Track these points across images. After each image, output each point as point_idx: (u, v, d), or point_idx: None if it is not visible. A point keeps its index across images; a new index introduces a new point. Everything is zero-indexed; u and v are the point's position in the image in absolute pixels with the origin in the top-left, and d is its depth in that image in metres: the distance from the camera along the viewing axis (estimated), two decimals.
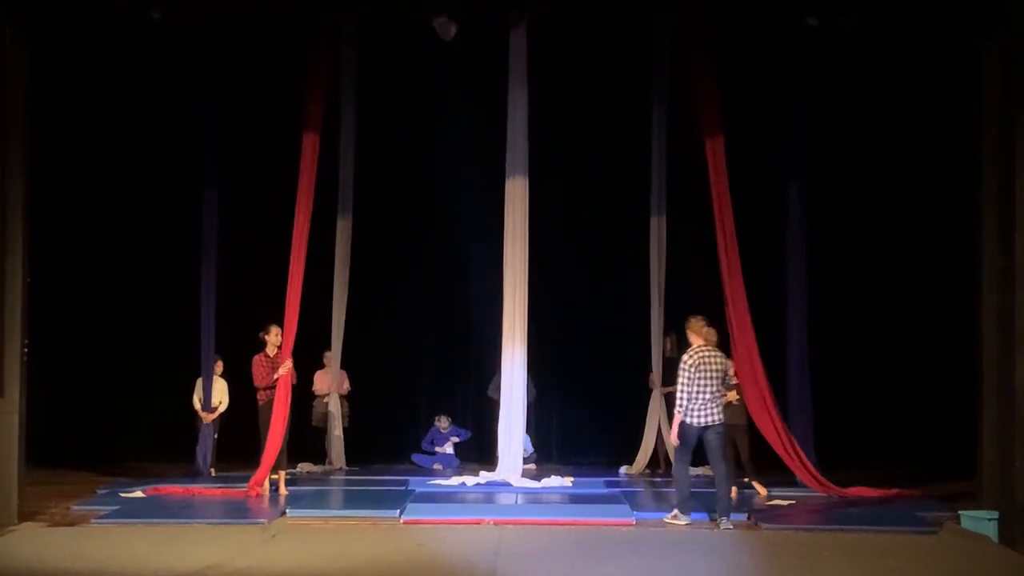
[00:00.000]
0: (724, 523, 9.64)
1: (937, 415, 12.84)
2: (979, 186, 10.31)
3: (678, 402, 9.73)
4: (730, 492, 10.71)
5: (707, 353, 9.77)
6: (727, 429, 10.92)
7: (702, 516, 9.89)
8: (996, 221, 9.89)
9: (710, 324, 9.92)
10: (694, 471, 12.79)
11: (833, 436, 11.57)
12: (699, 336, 9.83)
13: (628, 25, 12.67)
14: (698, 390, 9.65)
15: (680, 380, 9.72)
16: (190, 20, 10.82)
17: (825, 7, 10.88)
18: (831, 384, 12.45)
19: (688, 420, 9.67)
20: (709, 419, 9.66)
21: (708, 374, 9.68)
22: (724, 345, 11.14)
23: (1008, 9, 9.53)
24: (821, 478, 11.10)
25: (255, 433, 11.21)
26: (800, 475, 11.16)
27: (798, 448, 11.17)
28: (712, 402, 9.68)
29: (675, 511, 9.85)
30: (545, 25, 12.05)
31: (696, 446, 9.84)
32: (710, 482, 12.25)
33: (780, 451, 11.05)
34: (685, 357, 9.78)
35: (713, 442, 9.75)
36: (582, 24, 12.50)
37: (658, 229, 13.00)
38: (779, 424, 11.02)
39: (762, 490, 11.14)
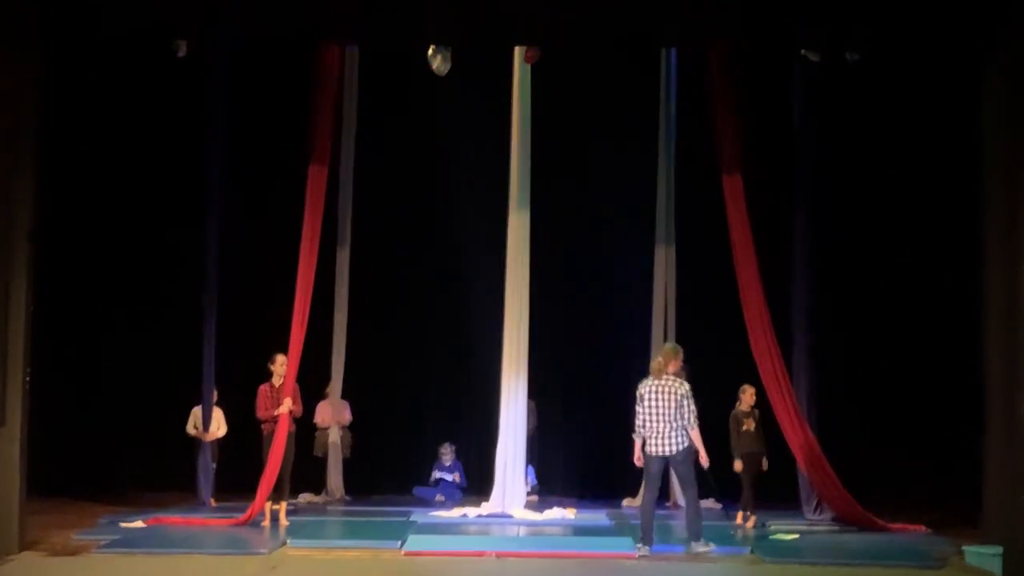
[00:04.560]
0: (695, 547, 9.64)
1: (942, 448, 12.75)
2: (983, 218, 10.34)
3: (635, 428, 9.80)
4: (741, 518, 11.15)
5: (661, 383, 9.76)
6: (745, 456, 11.03)
7: (665, 548, 9.81)
8: (1000, 258, 9.92)
9: (674, 353, 9.93)
10: (702, 504, 12.82)
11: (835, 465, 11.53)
12: (664, 365, 9.83)
13: (637, 49, 12.57)
14: (649, 420, 9.68)
15: (636, 408, 9.79)
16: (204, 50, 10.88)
17: (830, 35, 10.96)
18: (835, 413, 12.34)
19: (649, 450, 9.73)
20: (669, 449, 9.68)
21: (661, 404, 9.67)
22: (749, 370, 11.27)
23: (1008, 39, 9.70)
24: (857, 506, 11.21)
25: (256, 464, 11.13)
26: (831, 502, 11.29)
27: (831, 472, 11.27)
28: (669, 433, 9.65)
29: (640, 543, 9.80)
30: (551, 51, 11.96)
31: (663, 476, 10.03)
32: (714, 515, 12.33)
33: (812, 474, 11.29)
34: (639, 386, 9.84)
35: (679, 469, 9.89)
36: (589, 51, 12.44)
37: (665, 257, 12.99)
38: (814, 446, 11.25)
39: (750, 522, 11.16)
